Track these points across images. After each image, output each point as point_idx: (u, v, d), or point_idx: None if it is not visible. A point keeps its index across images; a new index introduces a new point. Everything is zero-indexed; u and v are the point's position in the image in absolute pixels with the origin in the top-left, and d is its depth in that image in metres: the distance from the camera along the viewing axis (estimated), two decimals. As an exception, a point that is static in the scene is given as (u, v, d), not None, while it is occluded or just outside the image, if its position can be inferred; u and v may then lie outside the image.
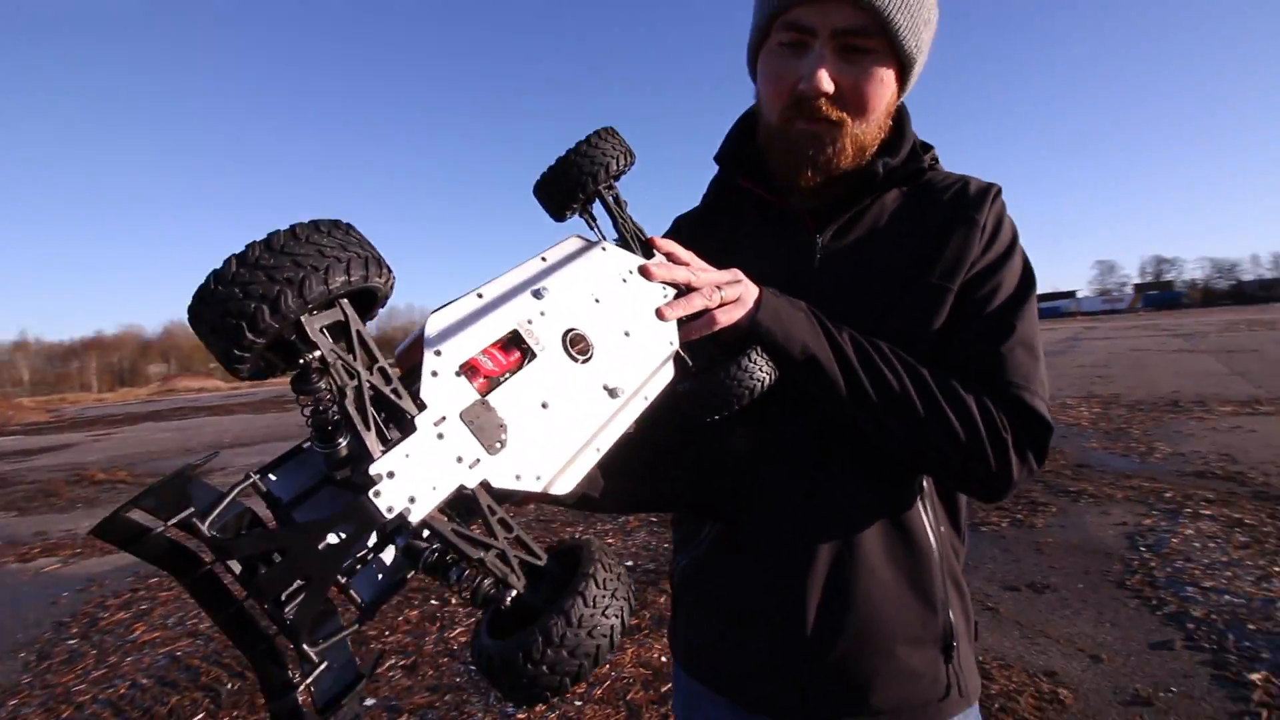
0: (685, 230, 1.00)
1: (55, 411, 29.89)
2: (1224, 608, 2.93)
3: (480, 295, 0.58)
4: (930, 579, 0.81)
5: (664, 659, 2.85)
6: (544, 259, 0.67)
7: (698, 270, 0.72)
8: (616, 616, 0.50)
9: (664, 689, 2.61)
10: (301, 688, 0.47)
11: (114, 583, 4.44)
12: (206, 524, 0.45)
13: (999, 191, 0.85)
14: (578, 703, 2.57)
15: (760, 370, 0.73)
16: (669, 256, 0.74)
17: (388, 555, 0.54)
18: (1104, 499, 4.65)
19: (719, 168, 0.97)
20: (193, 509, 0.45)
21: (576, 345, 0.61)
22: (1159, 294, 78.54)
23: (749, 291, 0.74)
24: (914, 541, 0.81)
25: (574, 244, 0.70)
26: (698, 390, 0.74)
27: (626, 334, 0.65)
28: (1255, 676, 2.38)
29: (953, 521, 0.86)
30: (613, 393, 0.62)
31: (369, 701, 2.70)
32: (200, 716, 2.67)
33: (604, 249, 0.71)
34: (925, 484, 0.83)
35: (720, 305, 0.71)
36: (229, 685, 2.90)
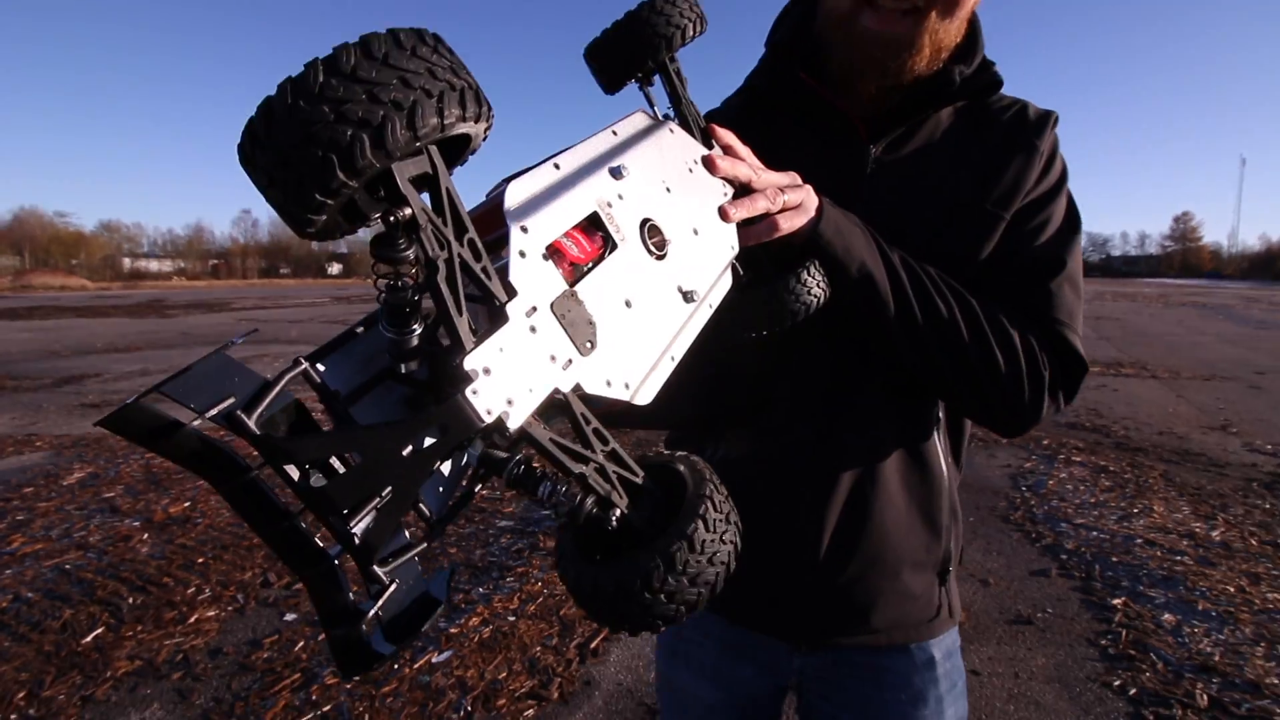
0: (733, 116, 0.89)
1: (-122, 300, 25.90)
2: (1091, 542, 3.33)
3: (557, 166, 0.50)
4: (939, 506, 0.82)
5: (596, 579, 2.92)
6: (614, 133, 0.58)
7: (759, 169, 0.66)
8: (733, 542, 0.47)
9: (597, 606, 2.69)
10: (371, 614, 0.40)
11: (-21, 492, 4.00)
12: (253, 419, 0.36)
13: (1057, 119, 0.82)
14: (511, 618, 2.60)
15: (816, 287, 0.69)
16: (727, 150, 0.66)
17: (446, 466, 0.45)
18: (991, 444, 5.12)
19: (769, 55, 0.87)
20: (234, 399, 0.36)
21: (654, 238, 0.54)
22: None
23: (810, 199, 0.67)
24: (928, 469, 0.81)
25: (642, 120, 0.62)
26: (748, 304, 0.68)
27: (695, 232, 0.59)
28: (1116, 601, 2.75)
29: (956, 451, 0.87)
30: (687, 296, 0.56)
31: (289, 616, 2.61)
32: (99, 631, 2.50)
33: (671, 130, 0.63)
34: (940, 413, 0.83)
35: (782, 210, 0.65)
36: (130, 599, 2.72)
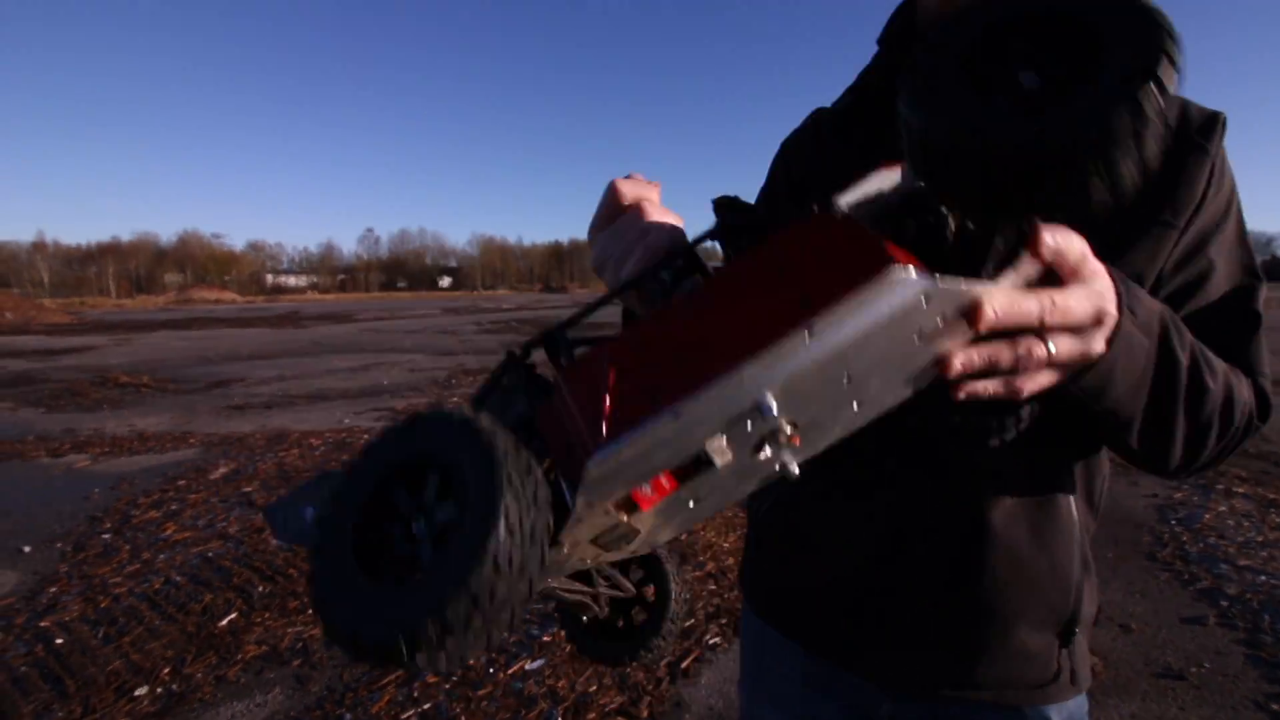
0: (826, 127, 0.81)
1: (76, 314, 30.26)
2: (1259, 587, 2.89)
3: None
4: (1067, 558, 0.69)
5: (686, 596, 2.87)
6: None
7: (1060, 298, 0.40)
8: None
9: (687, 625, 2.63)
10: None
11: (143, 482, 4.52)
12: None
13: (1225, 122, 0.69)
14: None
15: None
16: (1056, 260, 0.39)
17: None
18: (1133, 470, 4.58)
19: (880, 51, 0.78)
20: None
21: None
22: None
23: (1096, 341, 0.44)
24: (1056, 515, 0.69)
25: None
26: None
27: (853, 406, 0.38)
28: (1293, 657, 2.36)
29: (1091, 495, 0.74)
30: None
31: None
32: (233, 615, 2.73)
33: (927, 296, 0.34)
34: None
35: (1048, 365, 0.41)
36: (260, 588, 2.96)
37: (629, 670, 2.35)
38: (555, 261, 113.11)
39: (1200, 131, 0.67)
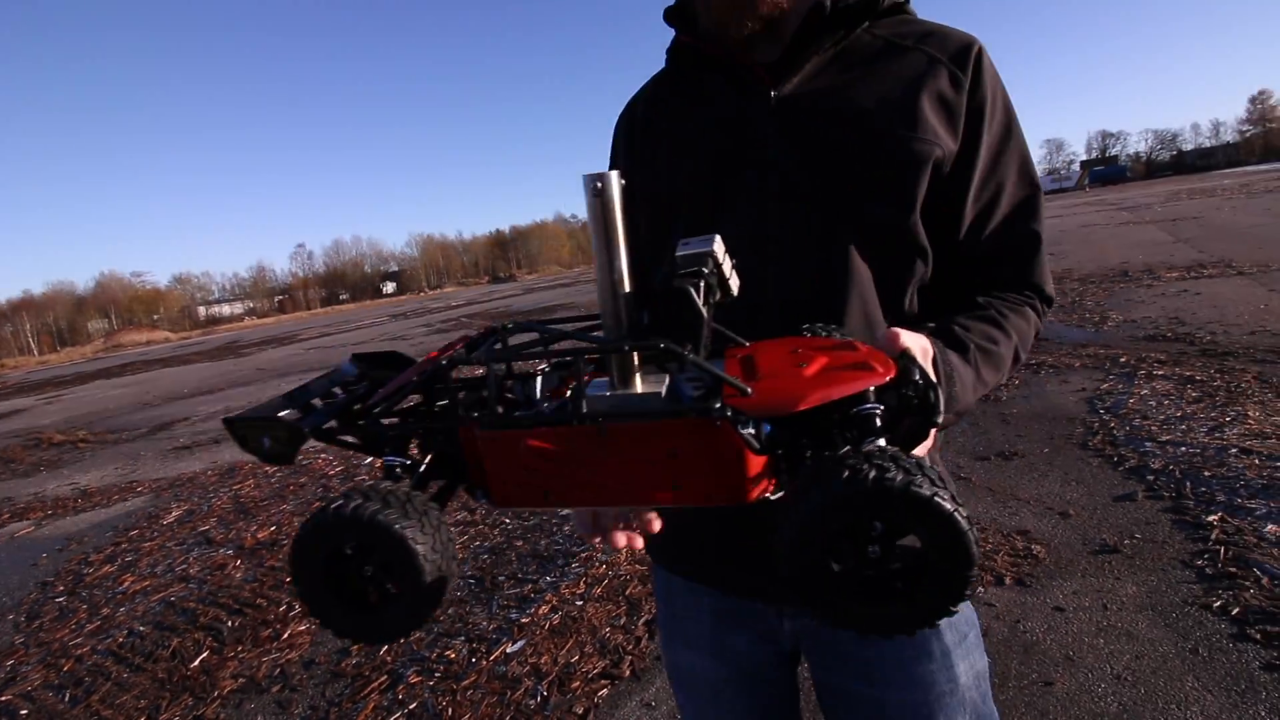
0: (640, 108, 0.86)
1: (-4, 378, 28.47)
2: (1180, 458, 3.11)
3: None
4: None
5: (659, 555, 2.94)
6: None
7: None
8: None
9: (662, 582, 2.70)
10: None
11: (94, 539, 4.36)
12: None
13: (981, 49, 0.73)
14: (579, 603, 2.65)
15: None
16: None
17: None
18: (1063, 368, 4.84)
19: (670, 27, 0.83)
20: None
21: None
22: (1104, 169, 79.03)
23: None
24: None
25: None
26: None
27: None
28: (1212, 518, 2.56)
29: None
30: None
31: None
32: (205, 655, 2.69)
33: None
34: None
35: None
36: (229, 623, 2.91)
37: (608, 634, 2.41)
38: (499, 250, 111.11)
39: (955, 56, 0.72)
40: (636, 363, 0.46)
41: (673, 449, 0.42)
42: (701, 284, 0.45)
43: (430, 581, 0.42)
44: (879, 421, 0.41)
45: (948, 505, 0.35)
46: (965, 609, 0.78)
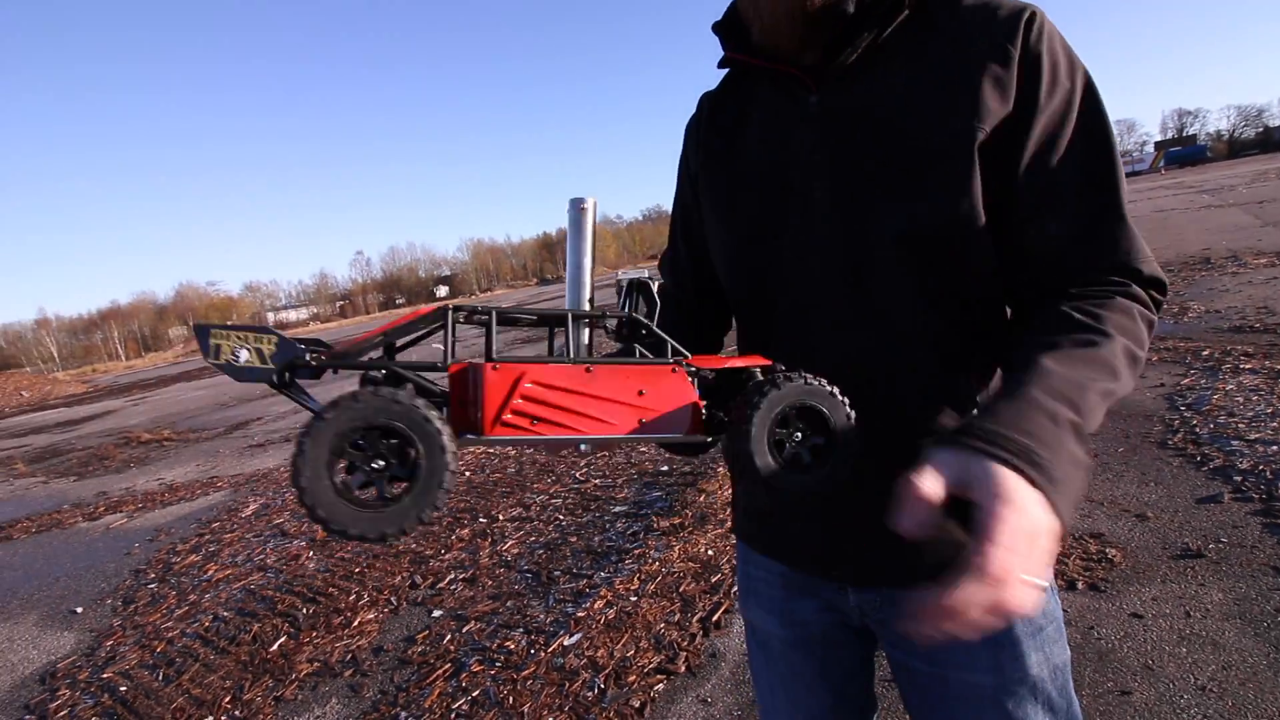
0: (706, 108, 0.88)
1: (90, 381, 30.67)
2: (1271, 458, 2.91)
3: None
4: None
5: (710, 552, 2.94)
6: None
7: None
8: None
9: (714, 579, 2.70)
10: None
11: (180, 530, 4.66)
12: None
13: (1034, 16, 0.66)
14: (634, 598, 2.68)
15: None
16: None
17: None
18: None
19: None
20: None
21: None
22: (1181, 150, 74.00)
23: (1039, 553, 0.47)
24: (959, 391, 0.72)
25: None
26: None
27: None
28: (1307, 519, 2.39)
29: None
30: None
31: (436, 613, 2.84)
32: (282, 639, 2.84)
33: None
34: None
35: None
36: (304, 610, 3.07)
37: (662, 630, 2.43)
38: (546, 253, 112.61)
39: (1002, 32, 0.65)
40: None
41: (640, 388, 0.56)
42: (656, 285, 0.62)
43: (450, 471, 0.45)
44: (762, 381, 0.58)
45: (837, 396, 0.57)
46: (1045, 602, 0.76)
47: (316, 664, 2.62)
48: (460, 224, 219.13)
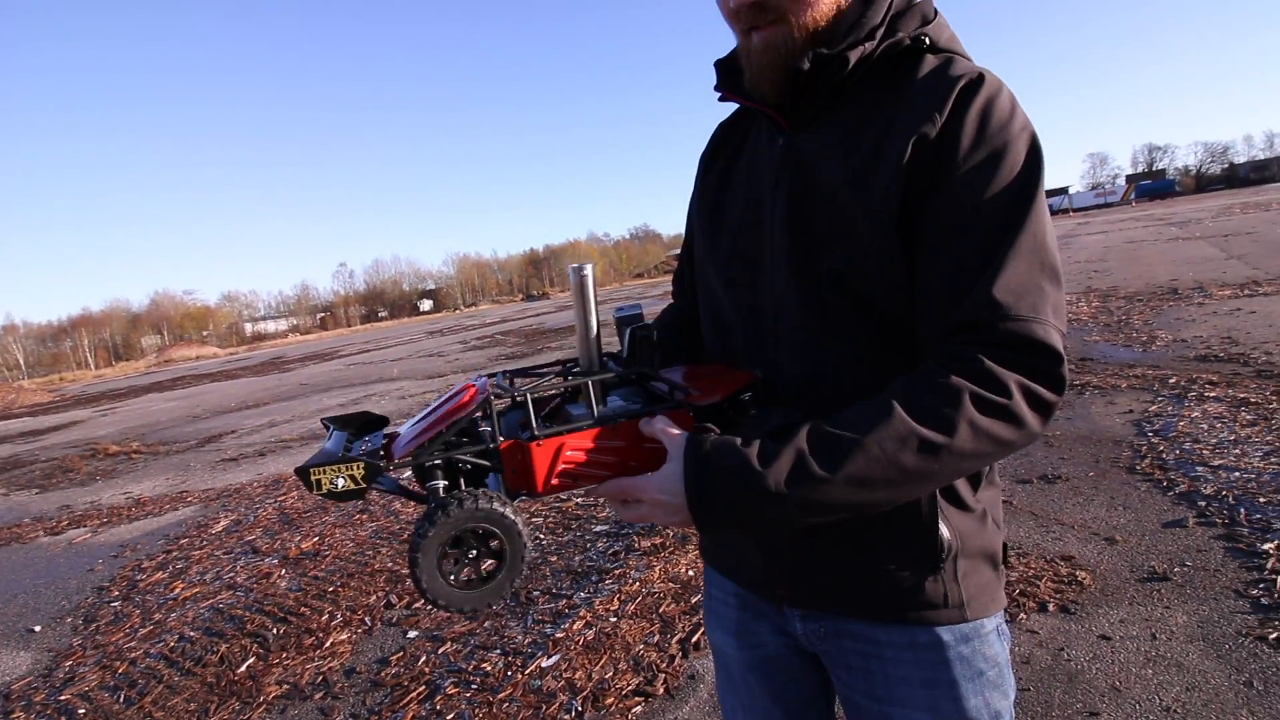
0: (717, 136, 0.96)
1: (57, 391, 29.84)
2: (1234, 484, 3.00)
3: None
4: (915, 502, 0.72)
5: (690, 573, 2.94)
6: None
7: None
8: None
9: (694, 600, 2.70)
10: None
11: (146, 546, 4.54)
12: None
13: (972, 86, 0.67)
14: (613, 619, 2.66)
15: None
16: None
17: None
18: (1109, 389, 4.71)
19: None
20: None
21: None
22: (1151, 184, 76.65)
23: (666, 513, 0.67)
24: None
25: None
26: None
27: None
28: (1268, 546, 2.46)
29: None
30: None
31: (411, 633, 2.80)
32: (251, 660, 2.78)
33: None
34: None
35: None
36: (274, 630, 3.00)
37: (641, 652, 2.42)
38: (533, 269, 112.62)
39: (935, 98, 0.68)
40: (602, 391, 0.71)
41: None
42: (654, 334, 0.79)
43: (527, 548, 0.61)
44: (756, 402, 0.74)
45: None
46: (983, 648, 0.75)
47: (286, 686, 2.57)
48: (446, 238, 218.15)
